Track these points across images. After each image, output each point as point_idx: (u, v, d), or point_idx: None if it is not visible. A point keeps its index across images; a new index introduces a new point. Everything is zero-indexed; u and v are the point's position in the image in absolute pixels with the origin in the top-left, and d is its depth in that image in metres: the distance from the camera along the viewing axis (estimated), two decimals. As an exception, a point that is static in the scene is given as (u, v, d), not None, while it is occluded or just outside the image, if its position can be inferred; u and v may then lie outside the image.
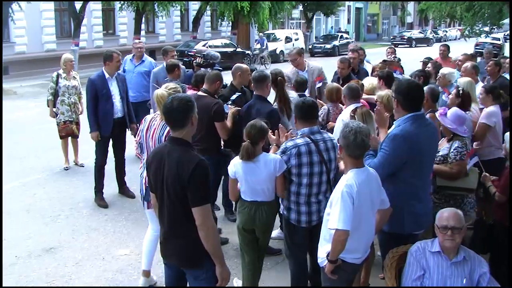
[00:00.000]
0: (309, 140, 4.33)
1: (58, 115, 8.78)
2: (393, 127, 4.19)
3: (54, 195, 7.76)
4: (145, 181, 4.69)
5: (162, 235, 3.67)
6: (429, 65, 9.02)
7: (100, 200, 7.37)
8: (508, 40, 27.48)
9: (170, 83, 4.90)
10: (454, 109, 5.20)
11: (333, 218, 3.54)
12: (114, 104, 7.22)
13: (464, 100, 5.91)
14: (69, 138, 8.92)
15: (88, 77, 7.51)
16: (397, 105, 4.19)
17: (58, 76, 8.78)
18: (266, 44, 29.70)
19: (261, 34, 30.99)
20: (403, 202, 4.08)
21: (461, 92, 5.96)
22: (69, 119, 8.76)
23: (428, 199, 4.35)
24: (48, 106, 8.91)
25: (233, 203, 6.68)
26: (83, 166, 8.96)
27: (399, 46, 41.90)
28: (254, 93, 5.92)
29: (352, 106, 5.68)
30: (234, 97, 6.10)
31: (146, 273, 5.18)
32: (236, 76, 6.50)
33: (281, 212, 4.68)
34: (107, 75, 7.17)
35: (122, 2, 23.34)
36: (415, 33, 47.65)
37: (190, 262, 3.54)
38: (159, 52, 27.17)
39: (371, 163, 4.07)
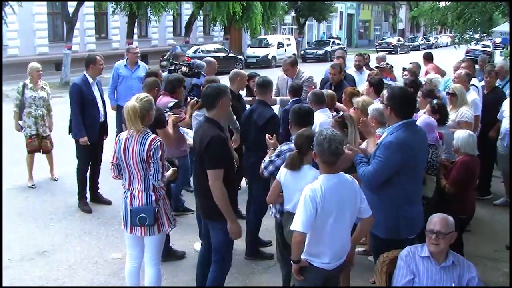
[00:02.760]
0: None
1: (25, 129, 8.03)
2: (385, 134, 4.25)
3: (47, 198, 7.76)
4: (130, 204, 4.36)
5: (195, 193, 4.66)
6: (406, 72, 9.05)
7: (84, 205, 7.28)
8: (498, 48, 27.77)
9: (141, 94, 4.50)
10: (424, 117, 5.35)
11: (294, 220, 3.61)
12: (99, 108, 7.18)
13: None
14: (38, 153, 8.27)
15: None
16: (390, 112, 4.19)
17: (24, 86, 8.02)
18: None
19: (174, 43, 25.31)
20: (398, 207, 4.14)
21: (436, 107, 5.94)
22: (36, 133, 8.06)
23: (420, 203, 4.40)
24: (14, 119, 8.12)
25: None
26: (56, 180, 8.49)
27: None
28: (256, 98, 5.99)
29: (319, 112, 5.65)
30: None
31: None
32: (236, 81, 6.55)
33: (272, 216, 4.76)
34: (90, 80, 7.12)
35: (114, 6, 23.33)
36: (394, 41, 48.17)
37: (208, 215, 4.42)
38: (151, 56, 27.64)
39: (365, 171, 4.13)
